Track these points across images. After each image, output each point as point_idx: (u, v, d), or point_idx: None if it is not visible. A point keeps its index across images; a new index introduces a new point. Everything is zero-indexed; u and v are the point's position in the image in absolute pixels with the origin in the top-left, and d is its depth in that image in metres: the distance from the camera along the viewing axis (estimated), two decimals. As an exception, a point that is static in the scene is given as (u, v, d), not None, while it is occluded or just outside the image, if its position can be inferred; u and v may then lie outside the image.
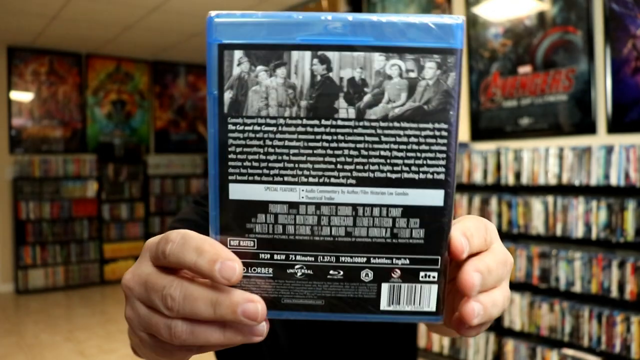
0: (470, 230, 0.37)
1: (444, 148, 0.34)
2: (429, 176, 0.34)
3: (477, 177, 3.42)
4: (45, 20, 5.18)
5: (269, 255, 0.36)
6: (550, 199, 3.07)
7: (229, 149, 0.35)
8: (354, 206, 0.35)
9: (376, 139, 0.34)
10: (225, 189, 0.35)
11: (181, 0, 4.62)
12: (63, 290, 6.25)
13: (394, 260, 0.36)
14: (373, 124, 0.34)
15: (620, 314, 2.76)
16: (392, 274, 0.36)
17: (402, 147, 0.34)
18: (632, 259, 2.72)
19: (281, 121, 0.34)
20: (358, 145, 0.34)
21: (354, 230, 0.35)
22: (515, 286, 3.23)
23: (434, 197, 0.35)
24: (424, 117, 0.34)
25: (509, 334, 3.27)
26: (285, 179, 0.35)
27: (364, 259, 0.36)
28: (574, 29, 3.09)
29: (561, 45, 3.16)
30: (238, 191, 0.35)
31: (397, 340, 0.88)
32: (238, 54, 0.33)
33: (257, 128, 0.34)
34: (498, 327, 3.31)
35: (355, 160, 0.34)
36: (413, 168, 0.34)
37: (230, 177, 0.35)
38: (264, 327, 0.36)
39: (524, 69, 3.33)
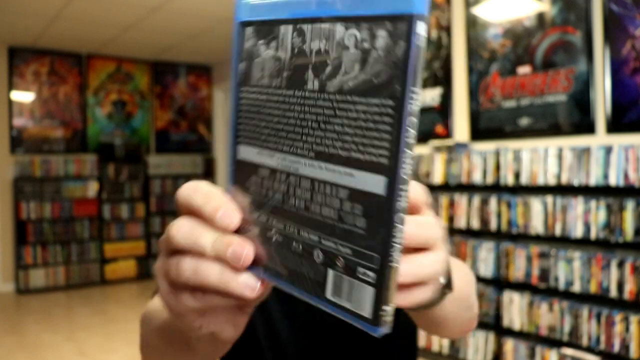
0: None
1: (388, 128, 0.30)
2: (373, 158, 0.31)
3: (477, 177, 3.43)
4: (46, 20, 5.19)
5: (256, 215, 0.37)
6: (549, 199, 3.08)
7: (238, 114, 0.39)
8: (312, 180, 0.34)
9: (332, 112, 0.33)
10: (236, 149, 0.40)
11: (182, 0, 4.63)
12: (64, 290, 6.26)
13: (339, 247, 0.33)
14: (331, 96, 0.33)
15: (619, 313, 2.77)
16: (337, 262, 0.33)
17: (352, 122, 0.31)
18: (631, 259, 2.73)
19: (270, 90, 0.37)
20: (318, 118, 0.33)
21: (311, 205, 0.34)
22: (514, 286, 3.24)
23: (374, 184, 0.31)
24: (372, 91, 0.31)
25: (508, 333, 3.28)
26: (269, 145, 0.37)
27: (317, 238, 0.34)
28: (573, 29, 3.10)
29: (560, 46, 3.17)
30: (243, 152, 0.39)
31: (398, 339, 0.88)
32: (250, 30, 0.38)
33: (254, 96, 0.38)
34: (497, 327, 3.32)
35: (316, 133, 0.33)
36: (360, 147, 0.31)
37: (238, 139, 0.40)
38: (256, 284, 0.36)
39: (524, 70, 3.34)
